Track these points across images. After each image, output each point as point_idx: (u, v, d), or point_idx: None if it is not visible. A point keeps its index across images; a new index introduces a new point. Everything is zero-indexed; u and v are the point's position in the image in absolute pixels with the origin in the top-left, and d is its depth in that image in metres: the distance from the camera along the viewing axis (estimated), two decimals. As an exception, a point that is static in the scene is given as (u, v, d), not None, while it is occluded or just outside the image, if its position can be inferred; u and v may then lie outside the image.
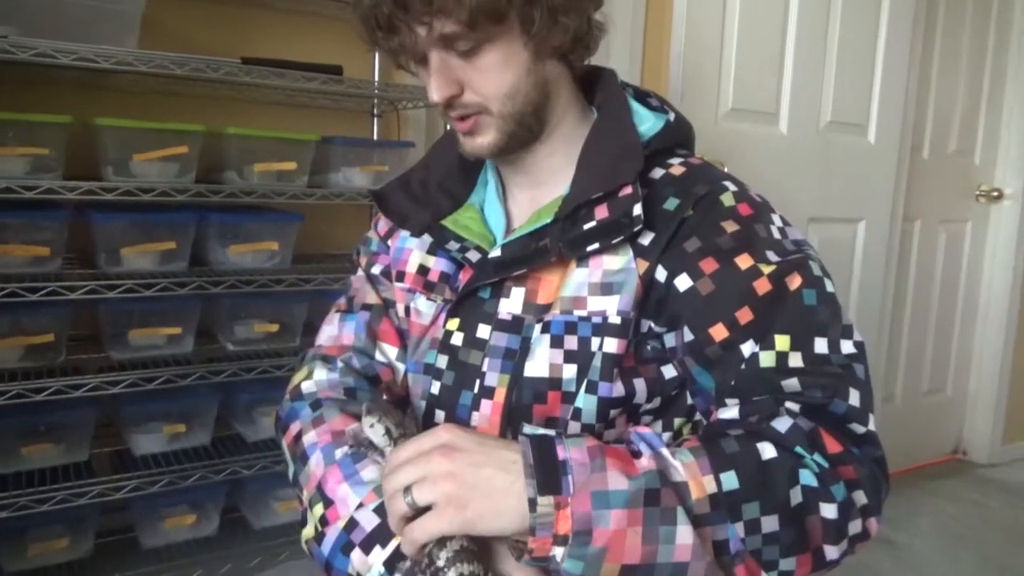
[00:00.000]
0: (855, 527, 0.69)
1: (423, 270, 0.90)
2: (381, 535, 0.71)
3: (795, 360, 0.73)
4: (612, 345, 0.78)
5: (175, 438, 1.54)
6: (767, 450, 0.68)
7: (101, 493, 1.39)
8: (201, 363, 1.49)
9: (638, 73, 2.06)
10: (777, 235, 0.79)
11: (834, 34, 2.25)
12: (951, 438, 3.17)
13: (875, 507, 0.70)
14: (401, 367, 0.93)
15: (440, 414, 0.86)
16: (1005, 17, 2.93)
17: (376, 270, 0.96)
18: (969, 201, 2.99)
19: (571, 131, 0.86)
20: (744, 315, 0.74)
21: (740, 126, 2.12)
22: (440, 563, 0.65)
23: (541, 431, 0.79)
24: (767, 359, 0.73)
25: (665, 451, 0.68)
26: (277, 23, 1.72)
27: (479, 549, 0.67)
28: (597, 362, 0.78)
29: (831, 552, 0.69)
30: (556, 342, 0.79)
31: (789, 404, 0.72)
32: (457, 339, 0.85)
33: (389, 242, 0.96)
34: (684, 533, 0.63)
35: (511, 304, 0.82)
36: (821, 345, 0.74)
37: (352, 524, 0.73)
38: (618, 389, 0.78)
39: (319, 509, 0.76)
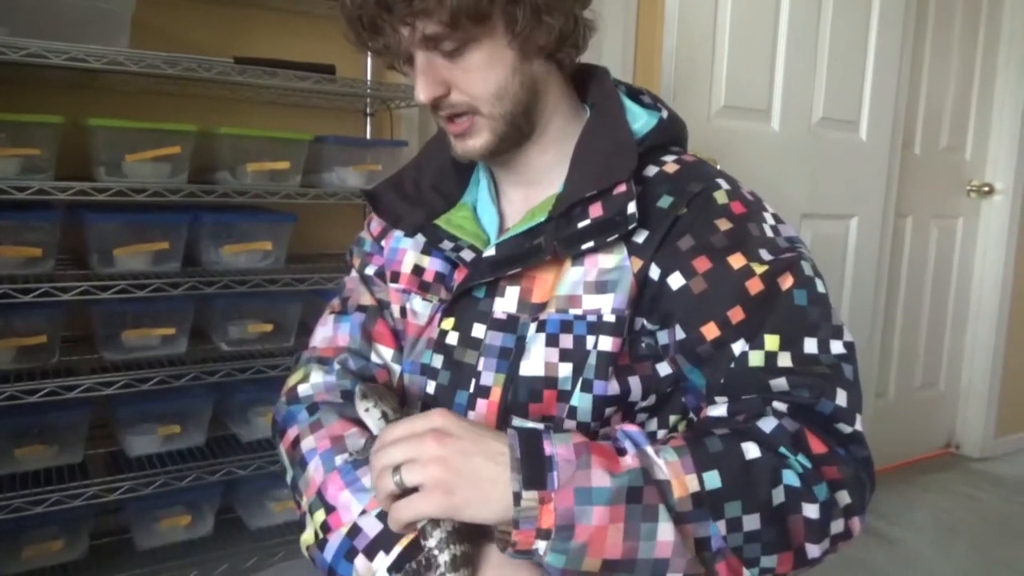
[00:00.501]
0: (837, 526, 0.70)
1: (418, 270, 0.90)
2: (385, 541, 0.72)
3: (784, 360, 0.73)
4: (607, 343, 0.78)
5: (169, 439, 1.53)
6: (751, 450, 0.69)
7: (96, 495, 1.38)
8: (195, 364, 1.49)
9: (630, 71, 2.06)
10: (770, 233, 0.79)
11: (825, 31, 2.25)
12: (944, 432, 3.18)
13: (858, 507, 0.71)
14: (397, 368, 0.92)
15: (436, 414, 0.86)
16: (995, 13, 2.94)
17: (370, 271, 0.96)
18: (960, 197, 3.01)
19: (563, 130, 0.86)
20: (736, 314, 0.75)
21: (732, 123, 2.13)
22: (431, 543, 0.68)
23: (531, 425, 0.79)
24: (756, 358, 0.74)
25: (649, 449, 0.68)
26: (270, 22, 1.72)
27: (469, 531, 0.69)
28: (592, 360, 0.78)
29: (813, 550, 0.70)
30: (552, 341, 0.79)
31: (776, 404, 0.72)
32: (452, 339, 0.85)
33: (383, 242, 0.95)
34: (665, 530, 0.64)
35: (506, 303, 0.82)
36: (810, 345, 0.74)
37: (355, 530, 0.73)
38: (613, 387, 0.79)
39: (320, 515, 0.76)
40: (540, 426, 0.77)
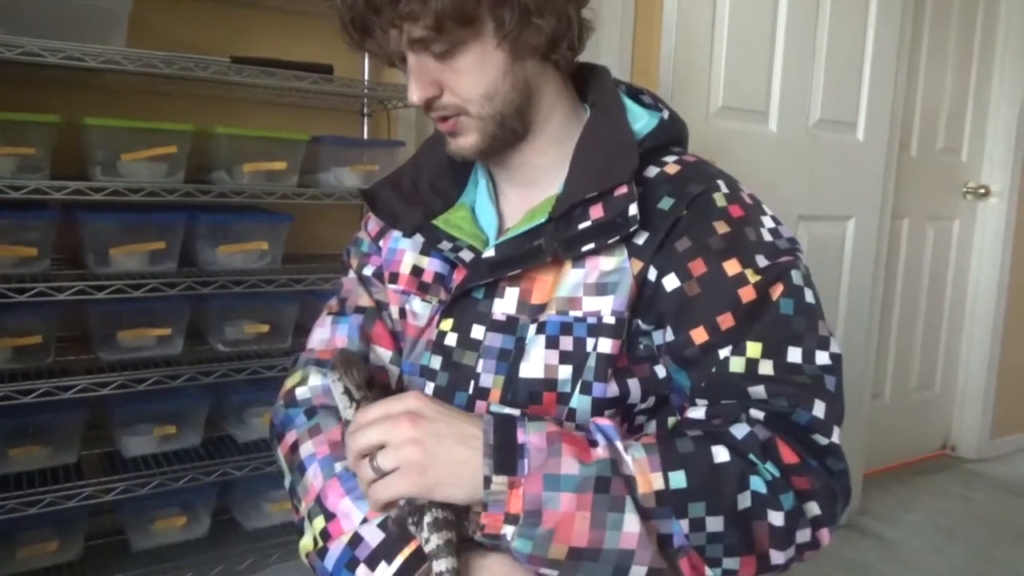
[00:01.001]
0: (804, 536, 0.71)
1: (417, 271, 0.89)
2: (386, 551, 0.72)
3: (765, 368, 0.74)
4: (606, 345, 0.78)
5: (165, 439, 1.52)
6: (720, 454, 0.70)
7: (91, 495, 1.37)
8: (191, 364, 1.48)
9: (627, 72, 2.06)
10: (768, 237, 0.79)
11: (823, 32, 2.25)
12: (939, 434, 3.19)
13: (828, 518, 0.72)
14: (395, 370, 0.92)
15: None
16: (991, 15, 2.95)
17: (368, 271, 0.95)
18: (956, 198, 3.01)
19: (561, 130, 0.85)
20: (726, 321, 0.75)
21: (730, 124, 2.12)
22: (424, 533, 0.70)
23: (507, 411, 0.79)
24: (737, 364, 0.74)
25: (619, 444, 0.70)
26: (267, 22, 1.71)
27: (457, 519, 0.71)
28: (591, 362, 0.78)
29: (777, 557, 0.70)
30: (552, 343, 0.79)
31: (754, 411, 0.73)
32: (451, 340, 0.84)
33: (380, 243, 0.95)
34: (631, 522, 0.66)
35: (505, 304, 0.82)
36: (794, 355, 0.75)
37: (356, 540, 0.73)
38: (612, 389, 0.79)
39: (319, 522, 0.76)
40: (516, 412, 0.77)
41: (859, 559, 2.26)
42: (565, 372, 0.78)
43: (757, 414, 0.73)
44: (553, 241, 0.79)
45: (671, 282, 0.77)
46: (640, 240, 0.78)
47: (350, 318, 0.93)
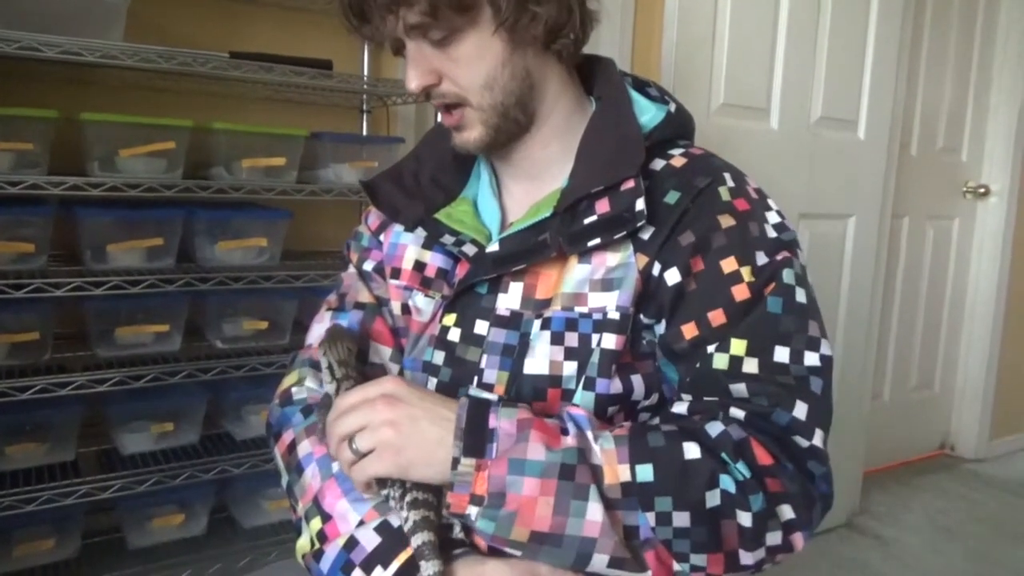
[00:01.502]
0: (775, 538, 0.70)
1: (419, 266, 0.88)
2: (382, 555, 0.71)
3: (750, 366, 0.73)
4: (611, 341, 0.77)
5: (163, 437, 1.52)
6: (691, 450, 0.70)
7: (88, 493, 1.37)
8: (189, 361, 1.47)
9: (628, 68, 2.05)
10: (772, 232, 0.78)
11: (824, 30, 2.25)
12: (939, 434, 3.19)
13: (803, 522, 0.71)
14: (394, 368, 0.90)
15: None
16: (991, 14, 2.95)
17: (368, 266, 0.94)
18: (956, 197, 3.01)
19: (565, 122, 0.84)
20: (717, 317, 0.75)
21: (731, 121, 2.12)
22: (403, 512, 0.72)
23: (484, 395, 0.79)
24: (720, 361, 0.74)
25: (590, 433, 0.70)
26: (266, 17, 1.70)
27: (438, 500, 0.73)
28: (595, 358, 0.77)
29: (746, 558, 0.70)
30: (556, 339, 0.78)
31: (734, 409, 0.73)
32: (454, 335, 0.83)
33: (381, 237, 0.94)
34: (595, 510, 0.66)
35: (509, 299, 0.81)
36: (781, 354, 0.74)
37: (352, 543, 0.73)
38: (616, 386, 0.78)
39: (316, 523, 0.75)
40: (493, 397, 0.77)
41: (858, 558, 2.26)
42: (570, 368, 0.78)
43: (737, 413, 0.72)
44: (558, 236, 0.78)
45: (672, 276, 0.76)
46: (646, 235, 0.78)
47: (349, 314, 0.92)
